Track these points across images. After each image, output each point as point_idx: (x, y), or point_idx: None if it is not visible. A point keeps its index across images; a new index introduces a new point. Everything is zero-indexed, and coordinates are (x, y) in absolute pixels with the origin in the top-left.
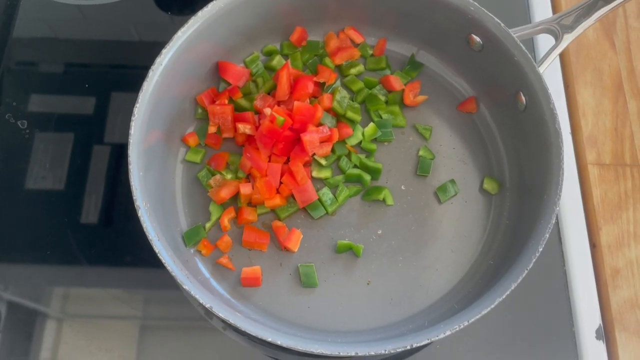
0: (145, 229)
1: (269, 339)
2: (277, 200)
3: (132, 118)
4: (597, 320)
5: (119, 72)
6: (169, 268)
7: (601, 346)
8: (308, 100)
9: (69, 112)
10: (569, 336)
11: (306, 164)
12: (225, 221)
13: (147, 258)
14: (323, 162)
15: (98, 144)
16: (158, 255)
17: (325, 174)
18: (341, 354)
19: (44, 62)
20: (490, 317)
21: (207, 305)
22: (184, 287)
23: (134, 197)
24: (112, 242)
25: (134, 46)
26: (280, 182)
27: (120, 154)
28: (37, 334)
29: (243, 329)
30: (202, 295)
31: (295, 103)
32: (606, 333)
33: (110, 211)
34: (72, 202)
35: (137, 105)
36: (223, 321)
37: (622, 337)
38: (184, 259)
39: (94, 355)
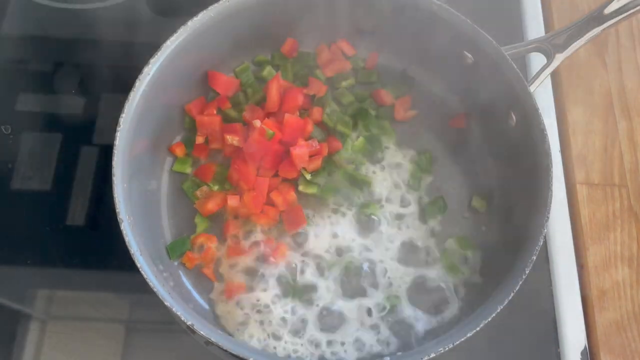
0: (127, 243)
1: (251, 358)
2: (265, 220)
3: (118, 128)
4: (582, 342)
5: (110, 73)
6: (151, 284)
7: None
8: (298, 113)
9: (58, 112)
10: (554, 357)
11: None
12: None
13: (133, 262)
14: (309, 177)
15: (87, 144)
16: (140, 270)
17: (312, 189)
18: None
19: (33, 61)
20: (476, 337)
21: (189, 323)
22: (166, 304)
23: (117, 210)
24: (98, 244)
25: (126, 48)
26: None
27: (109, 155)
28: (20, 336)
29: (225, 348)
30: (184, 312)
31: (286, 116)
32: (591, 355)
33: (97, 213)
34: (59, 203)
35: (123, 114)
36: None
37: (608, 359)
38: (167, 272)
39: (77, 359)
